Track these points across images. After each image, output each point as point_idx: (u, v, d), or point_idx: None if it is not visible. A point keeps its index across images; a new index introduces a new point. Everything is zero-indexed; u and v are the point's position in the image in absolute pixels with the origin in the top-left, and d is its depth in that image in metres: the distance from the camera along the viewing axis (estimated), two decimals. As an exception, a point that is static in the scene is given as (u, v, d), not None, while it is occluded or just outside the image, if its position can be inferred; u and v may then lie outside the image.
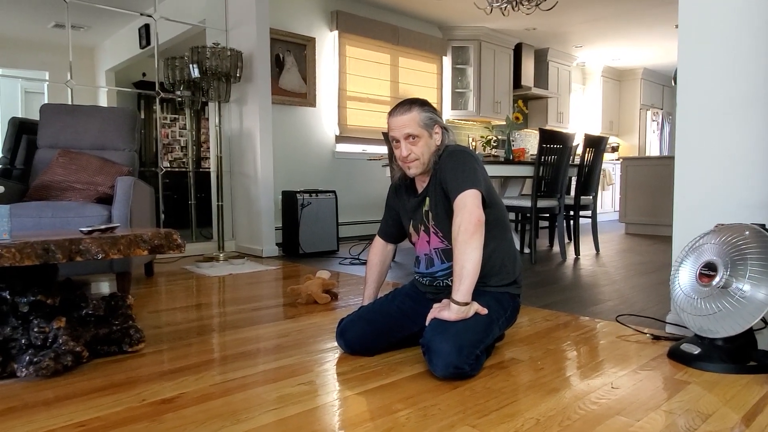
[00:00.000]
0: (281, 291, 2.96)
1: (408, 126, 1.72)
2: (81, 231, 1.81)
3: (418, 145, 1.73)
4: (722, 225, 1.79)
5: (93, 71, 6.94)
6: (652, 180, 5.86)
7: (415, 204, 1.86)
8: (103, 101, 6.70)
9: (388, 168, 2.00)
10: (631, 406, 1.39)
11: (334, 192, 4.50)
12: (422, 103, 1.76)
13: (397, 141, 1.75)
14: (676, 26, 6.05)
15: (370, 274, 2.02)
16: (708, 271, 1.71)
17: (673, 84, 4.11)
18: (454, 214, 1.64)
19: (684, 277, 1.79)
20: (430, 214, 1.80)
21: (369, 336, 1.79)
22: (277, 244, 4.43)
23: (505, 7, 4.54)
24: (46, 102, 3.46)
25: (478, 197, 1.65)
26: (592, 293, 2.84)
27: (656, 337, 1.99)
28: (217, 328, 2.19)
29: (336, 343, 1.88)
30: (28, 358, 1.61)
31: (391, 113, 1.77)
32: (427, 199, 1.80)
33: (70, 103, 3.93)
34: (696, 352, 1.70)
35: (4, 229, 1.64)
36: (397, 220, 1.99)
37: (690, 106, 2.00)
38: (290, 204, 4.33)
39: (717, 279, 1.67)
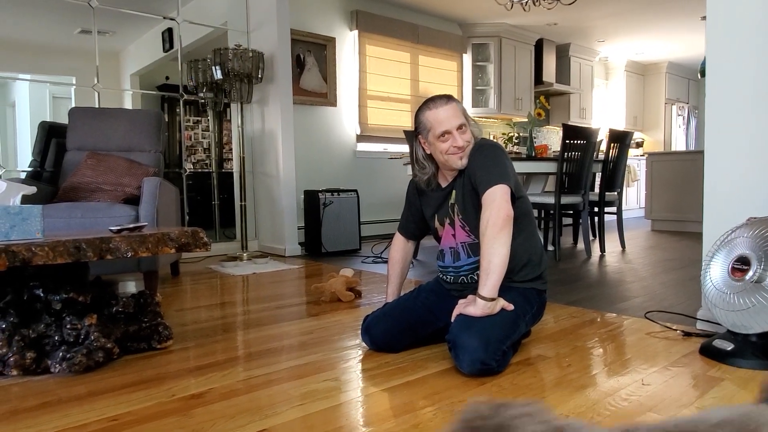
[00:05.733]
0: (305, 289, 2.97)
1: (457, 116, 1.72)
2: (110, 230, 1.85)
3: (467, 134, 1.74)
4: (754, 218, 1.75)
5: (118, 75, 7.08)
6: (678, 175, 5.74)
7: (440, 197, 1.85)
8: (128, 104, 6.83)
9: (409, 166, 1.98)
10: (663, 403, 1.37)
11: (355, 191, 4.51)
12: (453, 97, 1.78)
13: (449, 133, 1.71)
14: (703, 18, 5.89)
15: (392, 271, 2.02)
16: (741, 265, 1.67)
17: (700, 77, 4.02)
18: (483, 209, 1.63)
19: (716, 271, 1.75)
20: (456, 207, 1.79)
21: (394, 332, 1.79)
22: (299, 244, 4.46)
23: (526, 2, 4.49)
24: (73, 106, 3.53)
25: (508, 193, 1.64)
26: (618, 290, 2.79)
27: (687, 334, 1.95)
28: (241, 326, 2.22)
29: (360, 340, 1.89)
30: (61, 354, 1.64)
31: (430, 107, 1.74)
32: (454, 192, 1.80)
33: (97, 106, 4.02)
34: (729, 348, 1.66)
35: (37, 228, 1.68)
36: (417, 216, 1.98)
37: (719, 98, 1.95)
38: (312, 203, 4.36)
39: (750, 273, 1.63)
